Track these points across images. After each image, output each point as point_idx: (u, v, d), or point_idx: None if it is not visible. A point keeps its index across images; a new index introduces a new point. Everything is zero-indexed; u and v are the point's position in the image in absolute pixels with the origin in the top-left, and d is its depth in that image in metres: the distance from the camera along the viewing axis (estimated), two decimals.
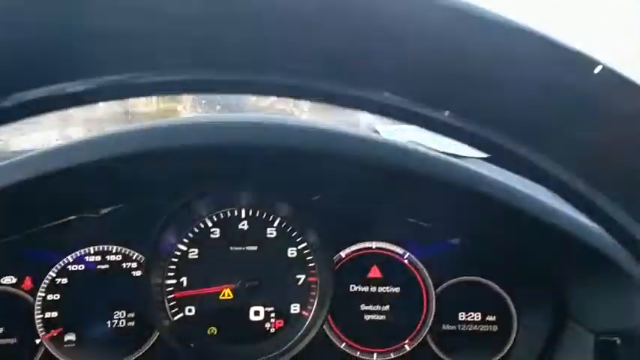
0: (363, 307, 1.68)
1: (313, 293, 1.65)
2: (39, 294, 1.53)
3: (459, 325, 1.68)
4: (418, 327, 1.68)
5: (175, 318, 1.60)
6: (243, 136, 1.25)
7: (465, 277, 1.68)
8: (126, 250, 1.61)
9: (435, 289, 1.68)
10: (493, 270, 1.67)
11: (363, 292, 1.68)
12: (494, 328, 1.67)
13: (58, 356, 1.54)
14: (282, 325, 1.65)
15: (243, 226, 1.63)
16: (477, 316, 1.68)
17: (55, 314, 1.54)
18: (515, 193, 1.26)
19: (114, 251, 1.60)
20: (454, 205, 1.40)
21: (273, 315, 1.65)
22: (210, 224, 1.62)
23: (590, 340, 1.35)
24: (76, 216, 1.41)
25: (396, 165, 1.26)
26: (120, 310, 1.60)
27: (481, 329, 1.68)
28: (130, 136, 1.20)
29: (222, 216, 1.62)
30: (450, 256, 1.68)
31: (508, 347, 1.67)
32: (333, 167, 1.36)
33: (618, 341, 1.22)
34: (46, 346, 1.53)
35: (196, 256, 1.61)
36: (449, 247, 1.68)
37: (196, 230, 1.62)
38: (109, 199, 1.46)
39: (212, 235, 1.62)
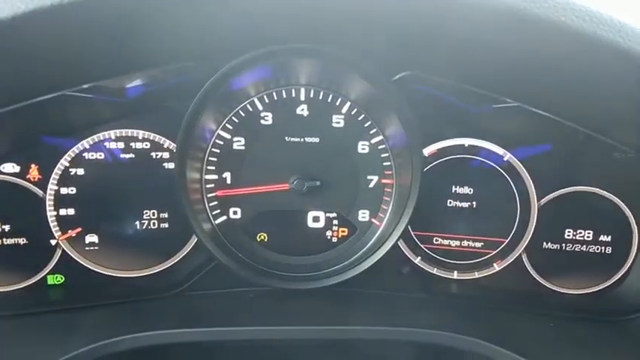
0: (449, 219, 1.36)
1: (387, 199, 1.32)
2: (50, 187, 1.23)
3: (565, 245, 1.36)
4: (513, 243, 1.36)
5: (217, 221, 1.30)
6: None
7: (576, 188, 1.33)
8: (154, 136, 1.28)
9: (537, 200, 1.33)
10: (613, 179, 1.31)
11: (449, 202, 1.35)
12: (608, 249, 1.35)
13: (78, 260, 1.28)
14: (346, 234, 1.35)
15: (303, 111, 1.27)
16: (587, 235, 1.35)
17: (71, 211, 1.26)
18: None
19: (140, 137, 1.27)
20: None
21: (335, 222, 1.34)
22: (260, 107, 1.26)
23: None
24: (91, 84, 1.04)
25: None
26: (150, 210, 1.31)
27: (591, 250, 1.35)
28: None
29: (275, 96, 1.25)
30: (560, 160, 1.31)
31: (622, 274, 1.35)
32: (428, 25, 0.94)
33: None
34: (64, 247, 1.27)
35: (242, 147, 1.28)
36: (560, 150, 1.30)
37: (242, 114, 1.26)
38: (128, 64, 1.08)
39: (263, 122, 1.27)
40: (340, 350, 1.22)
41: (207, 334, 1.12)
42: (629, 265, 1.34)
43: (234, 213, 1.31)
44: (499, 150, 1.32)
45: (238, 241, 1.31)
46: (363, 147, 1.29)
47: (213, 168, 1.28)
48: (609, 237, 1.34)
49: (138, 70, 1.14)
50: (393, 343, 1.17)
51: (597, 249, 1.35)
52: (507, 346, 1.12)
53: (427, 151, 1.33)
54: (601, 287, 1.37)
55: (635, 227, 1.32)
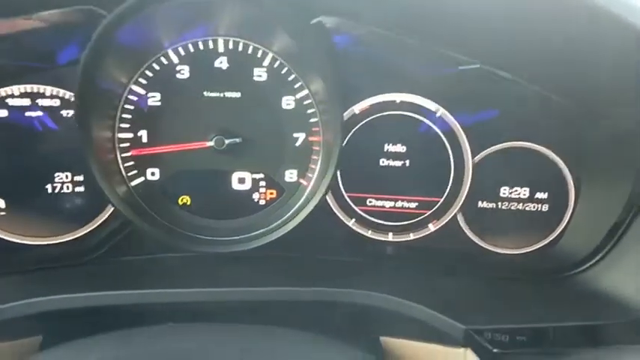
0: (382, 178, 1.30)
1: (315, 157, 1.25)
2: None
3: (500, 203, 1.32)
4: (447, 203, 1.32)
5: (133, 183, 1.22)
6: None
7: (511, 143, 1.28)
8: (64, 93, 1.19)
9: (472, 157, 1.29)
10: (549, 134, 1.27)
11: (382, 161, 1.30)
12: (545, 207, 1.31)
13: None
14: (274, 196, 1.28)
15: (222, 63, 1.19)
16: (523, 192, 1.31)
17: None
18: None
19: (48, 94, 1.18)
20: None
21: (262, 184, 1.27)
22: (175, 59, 1.18)
23: None
24: None
25: None
26: (63, 172, 1.22)
27: (527, 208, 1.31)
28: None
29: (191, 48, 1.17)
30: (496, 116, 1.27)
31: (558, 232, 1.32)
32: None
33: None
34: None
35: (158, 103, 1.19)
36: (496, 107, 1.26)
37: (157, 67, 1.18)
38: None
39: (179, 76, 1.19)
40: (263, 314, 1.16)
41: (108, 297, 1.05)
42: (565, 222, 1.31)
43: (152, 174, 1.23)
44: (432, 106, 1.26)
45: (158, 205, 1.23)
46: (287, 102, 1.22)
47: (128, 126, 1.19)
48: (545, 194, 1.31)
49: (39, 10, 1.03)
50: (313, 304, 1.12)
51: (533, 207, 1.31)
52: (435, 307, 1.08)
53: (358, 107, 1.27)
54: (538, 246, 1.33)
55: (572, 183, 1.29)
